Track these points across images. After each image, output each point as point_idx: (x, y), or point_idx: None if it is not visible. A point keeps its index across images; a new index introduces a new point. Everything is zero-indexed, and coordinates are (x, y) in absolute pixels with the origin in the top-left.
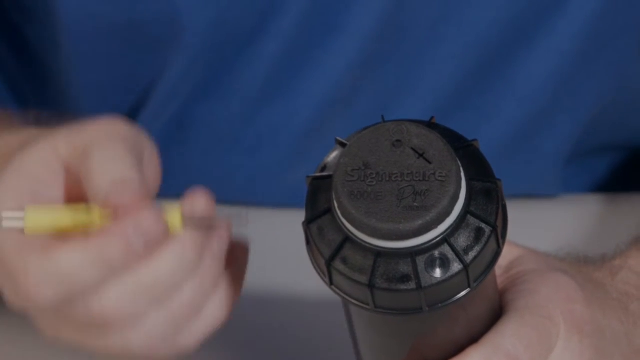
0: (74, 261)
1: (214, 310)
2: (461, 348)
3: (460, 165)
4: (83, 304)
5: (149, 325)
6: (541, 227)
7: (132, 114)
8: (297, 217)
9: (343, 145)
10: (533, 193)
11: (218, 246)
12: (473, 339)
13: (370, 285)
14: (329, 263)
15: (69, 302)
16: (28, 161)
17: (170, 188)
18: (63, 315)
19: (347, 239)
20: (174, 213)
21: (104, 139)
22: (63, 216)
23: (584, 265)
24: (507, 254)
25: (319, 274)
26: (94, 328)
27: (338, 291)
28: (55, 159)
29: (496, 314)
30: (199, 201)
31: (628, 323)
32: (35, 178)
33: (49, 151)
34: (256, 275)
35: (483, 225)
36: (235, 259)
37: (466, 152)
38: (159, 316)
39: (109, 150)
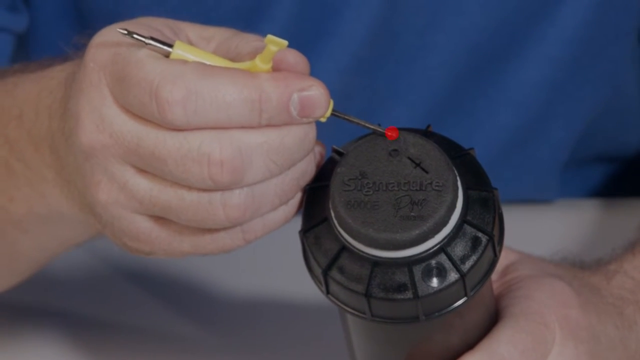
0: (231, 91)
1: (295, 202)
2: (457, 355)
3: (456, 174)
4: (208, 143)
5: (259, 188)
6: (537, 231)
7: None
8: (294, 225)
9: (340, 154)
10: (528, 198)
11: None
12: (469, 346)
13: (367, 295)
14: (326, 272)
15: (195, 134)
16: (153, 19)
17: None
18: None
19: (344, 248)
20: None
21: (233, 31)
22: (213, 58)
23: (579, 270)
24: (503, 259)
25: (315, 282)
26: (199, 177)
27: (335, 300)
28: (180, 31)
29: (492, 320)
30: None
31: (623, 328)
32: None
33: (173, 22)
34: (254, 282)
35: (480, 235)
36: None
37: (462, 161)
38: (270, 182)
39: (251, 35)
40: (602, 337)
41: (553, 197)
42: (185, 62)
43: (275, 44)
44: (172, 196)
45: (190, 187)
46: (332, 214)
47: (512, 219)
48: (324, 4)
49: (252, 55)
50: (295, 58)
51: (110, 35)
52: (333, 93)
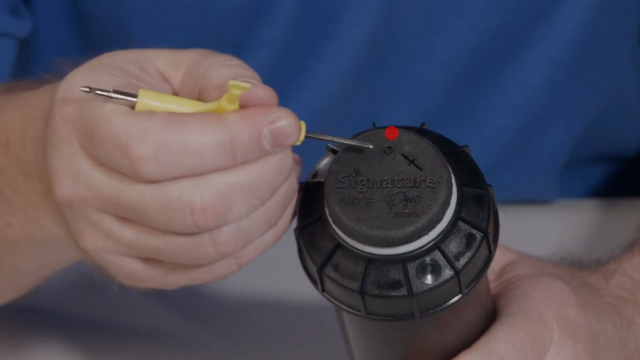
0: (202, 138)
1: (285, 219)
2: (454, 353)
3: (451, 171)
4: (188, 192)
5: (246, 221)
6: (535, 231)
7: None
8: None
9: (334, 151)
10: (527, 199)
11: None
12: (466, 344)
13: (362, 292)
14: (321, 270)
15: (172, 184)
16: (118, 57)
17: None
18: (156, 209)
19: (338, 245)
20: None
21: (202, 53)
22: (178, 102)
23: (577, 270)
24: (500, 259)
25: (310, 280)
26: (183, 225)
27: (330, 298)
28: (147, 63)
29: (489, 319)
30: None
31: (622, 327)
32: (128, 70)
33: (139, 53)
34: (249, 280)
35: (474, 231)
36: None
37: (457, 158)
38: (256, 213)
39: (220, 56)
40: (600, 336)
41: (552, 198)
42: (151, 114)
43: (238, 88)
44: (160, 241)
45: (176, 233)
46: (327, 212)
47: (511, 219)
48: (324, 7)
49: (220, 89)
50: (265, 92)
51: (74, 87)
52: (332, 96)
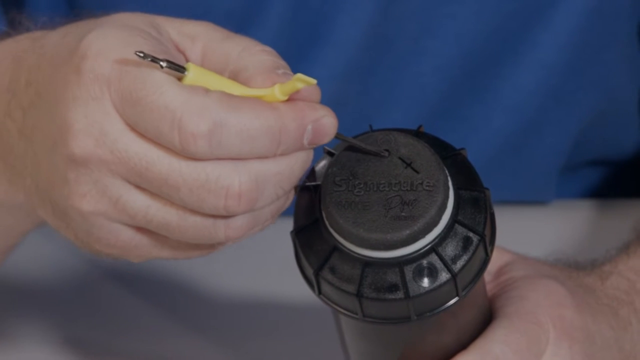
0: (256, 124)
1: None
2: (451, 355)
3: (447, 174)
4: (227, 175)
5: (260, 210)
6: (532, 232)
7: None
8: (286, 225)
9: (331, 154)
10: (523, 200)
11: None
12: (463, 346)
13: (359, 295)
14: (317, 273)
15: (213, 165)
16: (137, 19)
17: None
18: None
19: (335, 248)
20: None
21: (219, 31)
22: (226, 83)
23: (574, 271)
24: (497, 260)
25: (307, 283)
26: (212, 206)
27: (327, 300)
28: (161, 29)
29: (486, 320)
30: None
31: (618, 328)
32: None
33: (151, 18)
34: (245, 282)
35: (471, 234)
36: None
37: (454, 161)
38: (277, 204)
39: (248, 39)
40: (596, 338)
41: (549, 199)
42: (207, 91)
43: (303, 82)
44: (173, 216)
45: (196, 211)
46: (323, 215)
47: (507, 220)
48: (317, 10)
49: (265, 76)
50: (311, 88)
51: (109, 44)
52: (326, 99)
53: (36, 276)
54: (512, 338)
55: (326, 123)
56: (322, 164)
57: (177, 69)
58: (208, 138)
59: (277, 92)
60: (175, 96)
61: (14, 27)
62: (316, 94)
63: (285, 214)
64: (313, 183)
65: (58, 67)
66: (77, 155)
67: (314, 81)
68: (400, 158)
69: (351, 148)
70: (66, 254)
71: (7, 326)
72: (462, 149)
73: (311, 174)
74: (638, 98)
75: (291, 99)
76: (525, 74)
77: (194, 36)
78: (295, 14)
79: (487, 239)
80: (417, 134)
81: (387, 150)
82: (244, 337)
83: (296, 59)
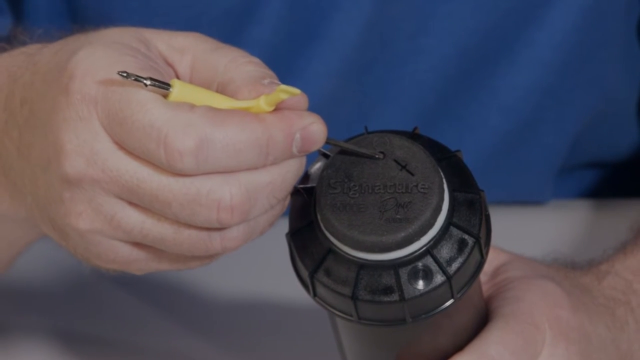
0: (242, 137)
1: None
2: (447, 356)
3: (442, 176)
4: (218, 189)
5: (255, 220)
6: (528, 232)
7: None
8: (281, 227)
9: (326, 156)
10: (520, 200)
11: None
12: (458, 347)
13: (354, 297)
14: (312, 275)
15: (203, 179)
16: (125, 34)
17: None
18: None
19: (330, 251)
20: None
21: (208, 42)
22: (212, 96)
23: (570, 271)
24: (493, 260)
25: (302, 285)
26: (205, 220)
27: (322, 303)
28: (149, 43)
29: (482, 322)
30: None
31: (615, 328)
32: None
33: (139, 32)
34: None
35: (466, 237)
36: None
37: (449, 163)
38: (267, 213)
39: (236, 50)
40: (593, 338)
41: (545, 199)
42: (192, 107)
43: (287, 93)
44: (169, 231)
45: (190, 225)
46: (318, 217)
47: (504, 220)
48: (314, 7)
49: (252, 87)
50: (297, 97)
51: (97, 64)
52: (323, 97)
53: (36, 276)
54: (509, 339)
55: (314, 130)
56: (316, 166)
57: (162, 86)
58: (195, 154)
59: (263, 103)
60: (160, 114)
61: (10, 42)
62: (303, 102)
63: (286, 214)
64: (308, 185)
65: (50, 85)
66: (71, 175)
67: (298, 91)
68: (395, 160)
69: (346, 150)
70: (66, 254)
71: (7, 326)
72: (458, 150)
73: (306, 176)
74: (635, 98)
75: (278, 108)
76: (521, 73)
77: (182, 49)
78: (293, 11)
79: (483, 241)
80: (413, 135)
81: (382, 152)
82: (243, 337)
83: (293, 56)
